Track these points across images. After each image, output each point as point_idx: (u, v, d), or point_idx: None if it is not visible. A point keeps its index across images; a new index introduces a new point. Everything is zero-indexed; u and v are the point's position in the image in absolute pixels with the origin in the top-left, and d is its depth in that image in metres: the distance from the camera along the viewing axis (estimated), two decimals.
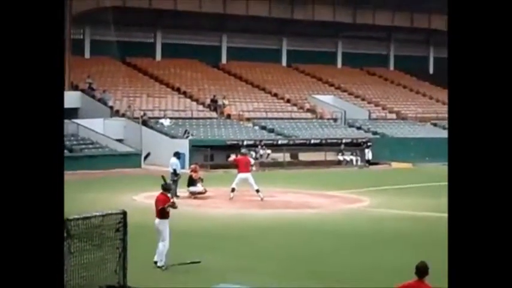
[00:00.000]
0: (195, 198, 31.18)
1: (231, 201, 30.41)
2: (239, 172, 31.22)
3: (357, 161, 52.27)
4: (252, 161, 34.83)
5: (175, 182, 30.19)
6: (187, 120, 52.45)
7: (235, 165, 32.46)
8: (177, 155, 32.75)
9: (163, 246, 17.76)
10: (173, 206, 18.22)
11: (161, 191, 18.44)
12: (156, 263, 17.76)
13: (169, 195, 18.55)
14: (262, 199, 30.44)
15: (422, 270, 11.43)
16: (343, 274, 17.53)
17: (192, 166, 33.85)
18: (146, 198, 28.64)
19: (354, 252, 20.32)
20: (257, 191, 30.68)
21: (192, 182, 31.76)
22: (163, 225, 17.92)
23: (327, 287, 15.91)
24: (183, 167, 35.87)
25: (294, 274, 17.39)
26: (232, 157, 33.91)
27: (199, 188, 31.71)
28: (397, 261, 18.18)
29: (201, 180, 32.06)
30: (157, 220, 18.02)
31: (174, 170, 31.50)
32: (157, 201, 18.26)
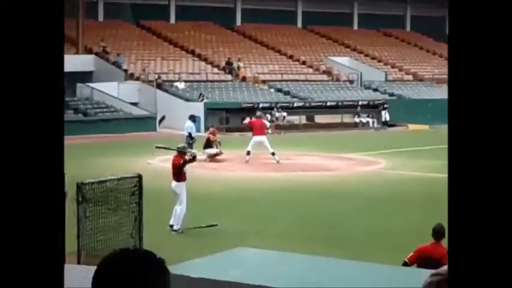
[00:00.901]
0: (211, 161, 31.07)
1: (247, 164, 30.31)
2: (254, 135, 31.06)
3: (373, 123, 52.05)
4: (268, 124, 34.63)
5: (190, 145, 30.05)
6: (202, 83, 52.26)
7: (249, 128, 32.31)
8: (193, 118, 32.58)
9: (180, 209, 17.69)
10: (193, 159, 18.13)
11: (176, 153, 18.38)
12: (171, 226, 17.71)
13: (186, 157, 18.40)
14: (278, 162, 30.31)
15: (439, 233, 11.28)
16: (358, 236, 17.44)
17: (211, 129, 33.69)
18: (161, 161, 28.58)
19: (369, 214, 20.21)
20: (272, 154, 30.54)
21: (208, 144, 31.63)
22: (180, 188, 17.84)
23: (341, 249, 15.80)
24: (198, 131, 35.76)
25: (309, 237, 17.29)
26: (247, 120, 33.71)
27: (214, 149, 31.57)
28: (413, 223, 18.04)
29: (219, 143, 31.91)
30: (174, 183, 17.94)
31: (189, 134, 31.38)
32: (173, 163, 18.18)
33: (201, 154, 31.12)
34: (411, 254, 11.55)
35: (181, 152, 18.40)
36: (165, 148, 19.28)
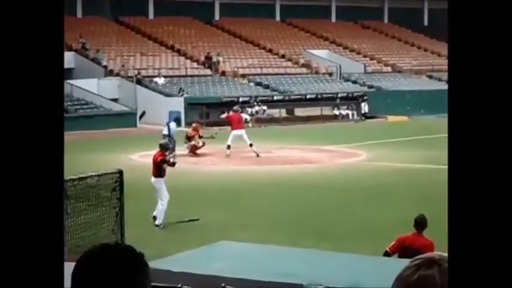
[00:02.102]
0: (190, 151, 31.05)
1: (228, 158, 30.34)
2: (232, 129, 31.11)
3: (353, 115, 52.16)
4: (247, 117, 34.70)
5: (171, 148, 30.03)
6: (181, 78, 52.19)
7: (228, 122, 32.36)
8: (178, 121, 32.70)
9: (162, 205, 17.73)
10: (172, 165, 18.30)
11: (158, 149, 18.51)
12: (154, 218, 17.76)
13: (166, 153, 18.59)
14: (258, 155, 30.34)
15: (420, 223, 11.38)
16: (341, 228, 17.52)
17: (194, 125, 33.68)
18: (142, 157, 28.58)
19: (352, 205, 20.30)
20: (250, 145, 30.55)
21: (188, 138, 31.68)
22: (160, 184, 17.89)
23: (326, 241, 15.87)
24: (179, 125, 35.70)
25: (292, 229, 17.36)
26: (225, 114, 33.73)
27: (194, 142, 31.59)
28: (395, 214, 18.15)
29: (199, 137, 31.93)
30: (153, 178, 18.00)
31: (169, 133, 31.32)
32: (154, 159, 18.25)
33: (182, 150, 31.10)
34: (392, 243, 11.63)
35: (163, 148, 18.56)
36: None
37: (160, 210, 17.72)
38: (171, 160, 18.50)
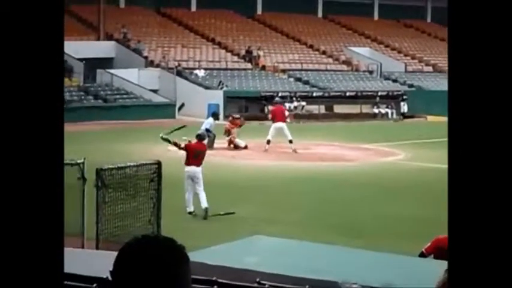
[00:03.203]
0: (230, 146, 31.16)
1: (265, 153, 30.34)
2: (274, 122, 31.07)
3: (392, 113, 51.90)
4: (287, 112, 34.66)
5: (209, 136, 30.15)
6: (221, 71, 52.29)
7: (271, 116, 32.26)
8: (216, 116, 32.67)
9: (203, 191, 17.97)
10: (178, 146, 18.62)
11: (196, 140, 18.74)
12: (190, 213, 17.91)
13: (204, 142, 18.93)
14: (294, 150, 30.27)
15: None
16: (375, 226, 17.46)
17: (230, 118, 33.86)
18: (186, 143, 28.64)
19: (387, 204, 20.21)
20: (290, 141, 30.50)
21: (226, 132, 31.79)
22: (202, 173, 18.20)
23: (358, 238, 15.83)
24: (217, 118, 35.81)
25: (326, 226, 17.33)
26: (270, 108, 33.66)
27: (242, 142, 31.68)
28: (430, 214, 18.04)
29: (240, 126, 32.10)
30: (197, 168, 18.19)
31: (207, 129, 31.40)
32: (202, 149, 18.60)
33: (222, 143, 31.11)
34: (428, 244, 11.57)
35: (200, 137, 18.80)
36: (171, 132, 19.45)
37: (204, 197, 17.89)
38: (182, 144, 18.82)
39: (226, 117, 45.50)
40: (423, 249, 11.52)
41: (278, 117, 31.09)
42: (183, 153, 18.79)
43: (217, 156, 25.86)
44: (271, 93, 47.99)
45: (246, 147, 31.49)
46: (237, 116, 34.33)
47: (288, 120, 43.74)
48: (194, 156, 18.27)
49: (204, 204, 17.88)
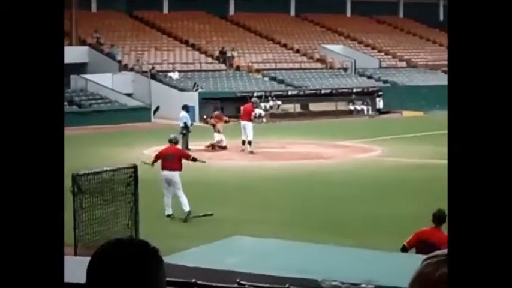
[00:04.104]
0: (213, 149, 31.12)
1: (242, 153, 30.31)
2: (241, 120, 31.25)
3: (367, 110, 52.05)
4: (261, 112, 34.76)
5: (185, 135, 30.08)
6: (196, 73, 52.23)
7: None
8: (186, 108, 32.54)
9: (183, 195, 17.93)
10: (203, 161, 18.80)
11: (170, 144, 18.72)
12: (169, 216, 17.88)
13: (176, 145, 18.93)
14: (251, 152, 30.10)
15: (439, 218, 11.31)
16: (355, 223, 17.46)
17: (216, 113, 34.12)
18: (157, 152, 28.52)
19: (366, 201, 20.23)
20: (249, 142, 30.35)
21: (214, 126, 31.97)
22: (179, 177, 18.15)
23: (341, 236, 15.82)
24: (193, 120, 35.75)
25: (305, 224, 17.32)
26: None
27: (217, 136, 31.74)
28: (410, 209, 18.07)
29: (226, 122, 32.32)
30: (174, 172, 18.16)
31: (185, 124, 31.37)
32: (178, 153, 18.56)
33: (197, 144, 31.08)
34: (410, 237, 11.56)
35: (174, 142, 18.83)
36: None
37: (185, 200, 17.85)
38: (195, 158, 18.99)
39: (202, 118, 45.50)
40: (405, 243, 11.50)
41: (243, 116, 31.15)
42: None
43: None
44: (247, 94, 47.95)
45: (225, 148, 31.48)
46: (219, 113, 34.42)
47: (264, 120, 43.83)
48: (165, 159, 18.33)
49: (186, 207, 17.83)
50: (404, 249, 11.35)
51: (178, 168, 18.17)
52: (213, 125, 32.10)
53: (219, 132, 31.82)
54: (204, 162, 18.97)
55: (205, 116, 33.43)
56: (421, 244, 11.07)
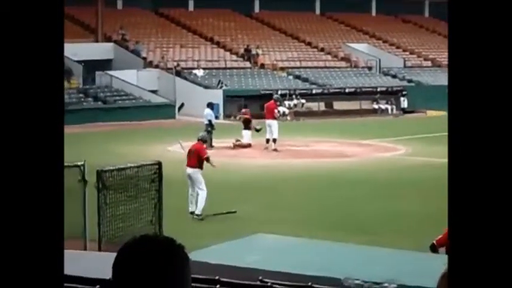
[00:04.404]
0: (234, 147, 31.11)
1: (266, 151, 30.33)
2: (266, 119, 31.17)
3: (392, 109, 51.88)
4: (285, 110, 34.67)
5: (210, 132, 30.16)
6: (220, 71, 52.29)
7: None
8: (211, 105, 32.63)
9: (203, 194, 17.88)
10: (213, 165, 18.62)
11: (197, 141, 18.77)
12: (192, 213, 17.85)
13: (205, 145, 18.90)
14: (275, 149, 30.09)
15: None
16: (377, 222, 17.44)
17: (244, 110, 34.09)
18: (181, 148, 28.64)
19: (389, 200, 20.19)
20: (274, 140, 30.33)
21: (247, 125, 31.82)
22: (198, 174, 18.12)
23: (361, 235, 15.82)
24: (217, 118, 35.85)
25: (327, 223, 17.33)
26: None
27: (247, 139, 31.65)
28: (432, 208, 18.01)
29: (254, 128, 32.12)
30: (191, 169, 18.18)
31: (209, 121, 31.46)
32: (198, 149, 18.47)
33: (221, 142, 31.11)
34: (440, 236, 11.35)
35: (202, 141, 18.83)
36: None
37: (202, 198, 17.83)
38: (213, 163, 18.80)
39: (227, 116, 45.56)
40: (434, 241, 11.27)
41: (267, 114, 31.13)
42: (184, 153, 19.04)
43: (218, 155, 25.80)
44: (271, 91, 47.94)
45: (249, 146, 31.49)
46: (248, 110, 34.42)
47: (288, 118, 43.85)
48: (188, 156, 18.47)
49: (192, 208, 17.85)
50: (434, 247, 11.12)
51: (196, 165, 18.17)
52: (246, 122, 31.91)
53: (250, 129, 31.77)
54: (214, 166, 18.78)
55: (239, 116, 33.24)
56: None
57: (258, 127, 31.52)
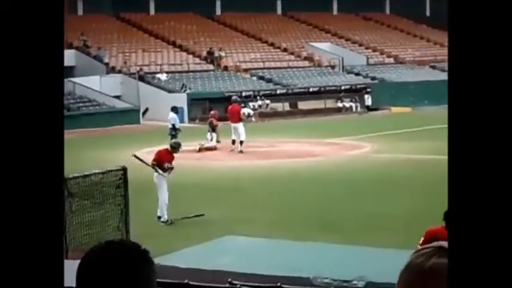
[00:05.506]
0: (199, 151, 30.96)
1: (232, 153, 30.29)
2: (231, 122, 31.10)
3: (356, 107, 52.12)
4: (250, 112, 34.63)
5: (174, 136, 30.02)
6: (184, 74, 52.20)
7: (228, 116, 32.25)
8: (175, 109, 32.53)
9: (162, 199, 17.70)
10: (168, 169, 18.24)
11: (166, 147, 18.57)
12: (159, 218, 17.70)
13: (166, 168, 18.35)
14: (241, 151, 30.06)
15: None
16: (346, 220, 17.44)
17: (212, 112, 34.00)
18: (147, 153, 28.45)
19: (357, 198, 20.23)
20: (241, 142, 30.30)
21: (213, 128, 31.73)
22: (160, 179, 17.90)
23: (333, 234, 15.81)
24: (182, 121, 35.73)
25: (297, 223, 17.30)
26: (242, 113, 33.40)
27: (212, 142, 31.56)
28: (400, 205, 18.09)
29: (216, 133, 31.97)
30: (156, 174, 18.01)
31: (173, 125, 31.35)
32: (155, 154, 18.29)
33: (186, 145, 30.98)
34: (421, 239, 11.36)
35: (172, 148, 18.56)
36: (140, 160, 18.98)
37: (160, 205, 17.69)
38: (168, 168, 18.34)
39: (191, 119, 45.47)
40: (418, 245, 11.28)
41: (232, 117, 31.05)
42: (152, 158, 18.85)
43: (184, 159, 25.68)
44: (235, 93, 47.92)
45: (215, 148, 31.43)
46: (216, 113, 34.34)
47: (253, 119, 43.85)
48: (157, 161, 18.29)
49: (159, 212, 17.71)
50: None
51: (155, 170, 18.06)
52: (213, 127, 31.85)
53: (215, 131, 31.76)
54: (162, 174, 18.31)
55: (211, 118, 33.04)
56: (431, 243, 10.90)
57: (219, 139, 31.62)
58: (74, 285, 2.42)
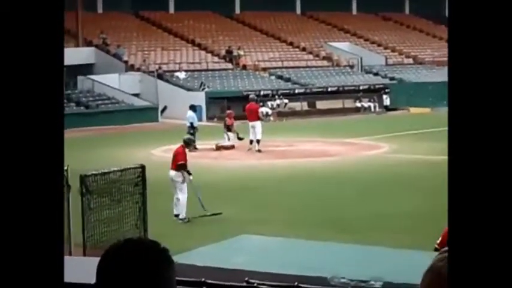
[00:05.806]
0: (217, 149, 30.98)
1: (250, 152, 30.30)
2: (248, 121, 31.03)
3: (374, 107, 52.00)
4: (268, 111, 34.58)
5: (192, 134, 30.09)
6: (202, 72, 52.25)
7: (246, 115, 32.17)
8: (193, 108, 32.60)
9: (182, 198, 17.77)
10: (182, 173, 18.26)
11: (181, 143, 18.61)
12: (177, 216, 17.77)
13: (187, 149, 18.69)
14: (259, 150, 30.05)
15: None
16: (362, 220, 17.44)
17: (228, 112, 33.92)
18: (164, 151, 28.60)
19: (374, 198, 20.22)
20: (257, 141, 30.28)
21: (228, 128, 31.66)
22: (180, 177, 17.96)
23: (347, 234, 15.83)
24: (200, 120, 35.80)
25: (313, 222, 17.32)
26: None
27: (229, 141, 31.53)
28: (416, 206, 18.08)
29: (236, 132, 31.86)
30: (173, 172, 18.06)
31: (191, 124, 31.41)
32: (176, 153, 18.33)
33: (203, 144, 31.08)
34: (439, 239, 11.27)
35: (186, 144, 18.64)
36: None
37: (181, 203, 17.74)
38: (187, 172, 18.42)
39: (210, 118, 45.53)
40: (436, 245, 11.19)
41: (250, 116, 30.96)
42: (170, 156, 18.90)
43: (201, 158, 25.81)
44: (253, 92, 47.92)
45: (233, 147, 31.42)
46: (228, 111, 34.32)
47: (272, 118, 43.85)
48: (172, 159, 18.39)
49: (176, 210, 17.78)
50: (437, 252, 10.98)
51: (175, 168, 18.12)
52: (228, 127, 31.80)
53: (231, 131, 31.71)
54: (187, 177, 18.30)
55: (226, 118, 32.95)
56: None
57: (240, 135, 31.38)
58: (93, 282, 2.44)
